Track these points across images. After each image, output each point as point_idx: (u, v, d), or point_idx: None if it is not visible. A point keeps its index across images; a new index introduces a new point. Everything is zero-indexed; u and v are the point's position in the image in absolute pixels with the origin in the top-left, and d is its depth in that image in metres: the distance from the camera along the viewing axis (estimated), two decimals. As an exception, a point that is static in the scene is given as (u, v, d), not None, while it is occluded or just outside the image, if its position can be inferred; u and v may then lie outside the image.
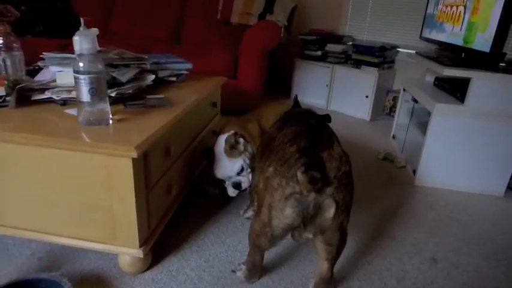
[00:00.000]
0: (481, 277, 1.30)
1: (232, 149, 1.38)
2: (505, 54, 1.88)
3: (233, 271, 1.21)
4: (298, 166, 0.92)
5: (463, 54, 1.98)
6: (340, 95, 3.21)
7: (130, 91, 1.32)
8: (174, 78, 1.66)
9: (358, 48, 3.09)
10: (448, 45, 2.11)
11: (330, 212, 0.96)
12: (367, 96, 3.04)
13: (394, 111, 3.09)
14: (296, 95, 1.58)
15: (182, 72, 1.71)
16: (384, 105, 3.24)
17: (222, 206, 1.61)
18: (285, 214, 0.96)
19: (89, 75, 1.02)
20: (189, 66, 1.72)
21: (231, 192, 1.46)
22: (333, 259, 1.10)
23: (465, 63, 1.80)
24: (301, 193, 0.93)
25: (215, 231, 1.42)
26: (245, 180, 1.41)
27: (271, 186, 0.98)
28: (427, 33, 2.46)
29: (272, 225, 1.00)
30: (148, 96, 1.37)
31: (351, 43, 3.25)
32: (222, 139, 1.42)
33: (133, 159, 0.97)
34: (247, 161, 1.40)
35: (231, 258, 1.28)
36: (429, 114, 1.88)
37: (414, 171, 2.00)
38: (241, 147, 1.38)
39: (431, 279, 1.26)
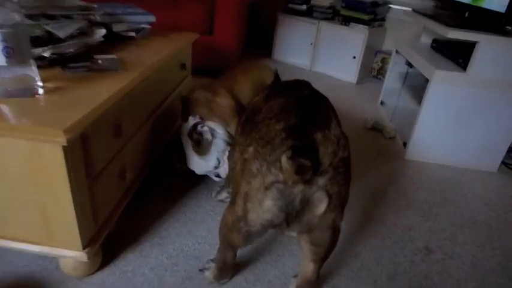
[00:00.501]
0: (477, 269, 1.18)
1: (199, 145, 1.15)
2: (515, 15, 1.67)
3: (200, 270, 1.02)
4: (284, 149, 0.73)
5: (467, 14, 1.75)
6: (325, 55, 2.95)
7: (72, 50, 1.05)
8: (133, 34, 1.38)
9: (348, 3, 2.79)
10: (451, 3, 1.87)
11: (321, 207, 0.77)
12: (354, 57, 2.80)
13: (382, 74, 2.89)
14: (277, 69, 1.34)
15: (143, 26, 1.43)
16: (372, 67, 3.02)
17: (191, 185, 1.40)
18: (264, 207, 0.77)
19: (0, 30, 0.75)
20: (152, 19, 1.43)
21: (215, 179, 1.28)
22: (321, 261, 0.92)
23: (470, 24, 1.58)
24: (285, 183, 0.73)
25: (181, 218, 1.22)
26: (223, 170, 1.22)
27: (249, 171, 0.78)
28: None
29: (248, 220, 0.81)
30: (96, 57, 1.11)
31: (339, -4, 2.95)
32: (187, 127, 1.20)
33: (64, 146, 0.73)
34: (222, 148, 1.18)
35: (199, 253, 1.10)
36: (426, 81, 1.68)
37: (405, 144, 1.84)
38: (208, 137, 1.15)
39: (425, 274, 1.13)
